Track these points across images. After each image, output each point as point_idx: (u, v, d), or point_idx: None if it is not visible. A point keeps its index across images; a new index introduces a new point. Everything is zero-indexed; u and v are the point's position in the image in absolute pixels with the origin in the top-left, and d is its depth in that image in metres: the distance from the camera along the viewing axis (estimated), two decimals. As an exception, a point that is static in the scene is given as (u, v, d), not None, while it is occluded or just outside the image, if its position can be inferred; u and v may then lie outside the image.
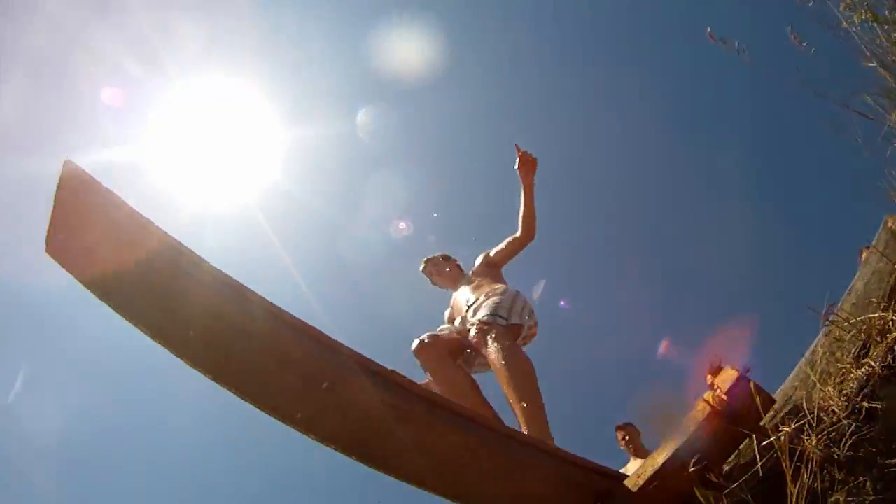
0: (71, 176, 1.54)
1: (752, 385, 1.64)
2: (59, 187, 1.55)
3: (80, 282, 1.60)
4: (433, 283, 3.43)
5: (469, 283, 3.15)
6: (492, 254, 3.25)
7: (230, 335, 1.46)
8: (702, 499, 1.75)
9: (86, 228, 1.56)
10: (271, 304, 1.46)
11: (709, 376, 3.29)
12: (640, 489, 1.78)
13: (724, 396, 1.70)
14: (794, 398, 1.73)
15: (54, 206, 1.56)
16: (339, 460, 1.53)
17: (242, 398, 1.48)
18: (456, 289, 3.24)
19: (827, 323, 1.70)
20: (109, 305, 1.60)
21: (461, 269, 3.46)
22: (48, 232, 1.58)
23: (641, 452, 3.64)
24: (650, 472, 1.76)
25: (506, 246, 3.19)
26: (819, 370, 1.63)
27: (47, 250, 1.61)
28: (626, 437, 3.72)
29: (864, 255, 3.52)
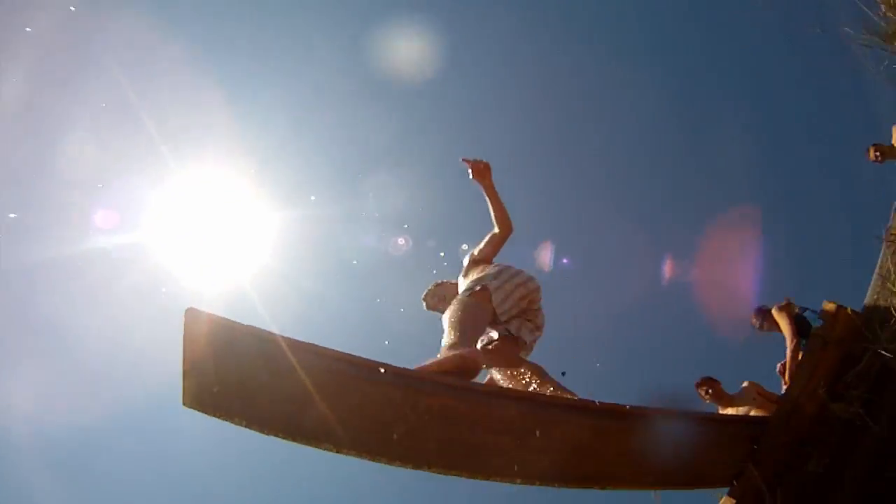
0: (194, 322, 1.70)
1: (848, 310, 2.03)
2: (186, 338, 1.70)
3: (237, 424, 1.77)
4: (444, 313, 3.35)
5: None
6: (476, 253, 3.18)
7: (438, 423, 1.81)
8: (837, 412, 2.14)
9: (224, 369, 1.71)
10: (474, 384, 1.84)
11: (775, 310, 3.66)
12: (786, 423, 2.16)
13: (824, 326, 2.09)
14: (879, 308, 2.13)
15: (185, 364, 1.70)
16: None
17: (469, 476, 1.83)
18: None
19: (888, 238, 2.09)
20: (278, 436, 1.78)
21: (456, 283, 3.32)
22: (183, 389, 1.73)
23: (727, 400, 3.87)
24: (790, 405, 2.15)
25: (486, 243, 3.14)
26: (892, 282, 2.03)
27: (185, 404, 1.77)
28: (710, 391, 3.90)
29: (871, 152, 3.92)
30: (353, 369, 1.65)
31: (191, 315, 1.74)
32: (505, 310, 2.59)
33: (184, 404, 1.78)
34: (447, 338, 2.26)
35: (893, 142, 3.72)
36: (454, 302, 2.54)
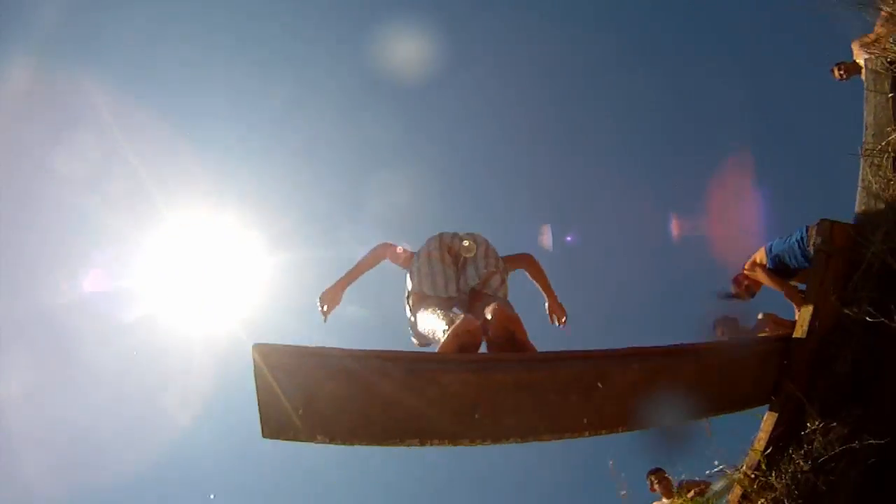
0: (263, 355, 1.80)
1: (841, 223, 2.25)
2: (258, 373, 1.80)
3: (319, 443, 1.85)
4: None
5: None
6: None
7: (513, 395, 1.98)
8: (851, 314, 2.37)
9: (295, 395, 1.79)
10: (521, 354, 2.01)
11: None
12: (808, 332, 2.38)
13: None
14: (868, 216, 2.36)
15: (260, 397, 1.79)
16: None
17: (547, 438, 2.00)
18: None
19: (864, 154, 2.33)
20: (363, 443, 1.89)
21: None
22: (261, 423, 1.82)
23: (745, 333, 4.05)
24: (808, 319, 2.37)
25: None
26: (874, 191, 2.26)
27: (265, 436, 1.86)
28: (726, 329, 4.08)
29: (835, 72, 4.15)
30: (427, 364, 1.79)
31: (258, 350, 1.84)
32: (440, 286, 2.55)
33: (264, 436, 1.88)
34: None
35: (854, 58, 3.91)
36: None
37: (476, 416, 1.82)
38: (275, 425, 1.84)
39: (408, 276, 2.71)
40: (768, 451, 2.40)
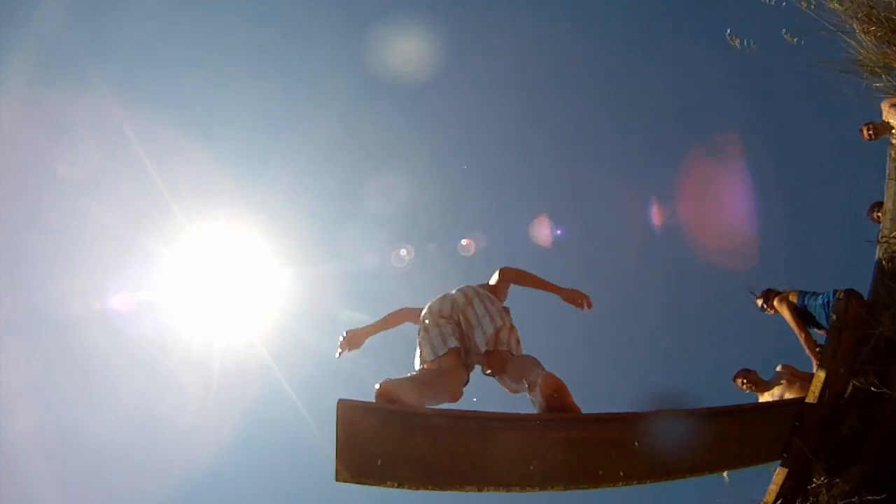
0: (347, 410, 2.01)
1: (855, 303, 2.52)
2: (342, 427, 1.98)
3: (384, 486, 2.08)
4: None
5: None
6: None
7: (563, 450, 2.23)
8: (858, 384, 2.64)
9: (373, 446, 2.01)
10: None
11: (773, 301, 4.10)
12: (818, 399, 2.65)
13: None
14: (880, 298, 2.64)
15: (341, 446, 1.98)
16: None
17: (586, 487, 2.26)
18: None
19: (880, 241, 2.60)
20: (426, 489, 2.13)
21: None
22: (337, 468, 2.01)
23: (763, 385, 4.28)
24: (820, 385, 2.63)
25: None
26: (888, 273, 2.53)
27: (339, 480, 2.05)
28: (746, 382, 4.31)
29: (864, 132, 4.38)
30: (494, 423, 2.06)
31: (342, 405, 2.06)
32: (438, 346, 2.72)
33: (337, 480, 2.07)
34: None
35: (884, 117, 4.01)
36: None
37: (531, 467, 2.08)
38: (350, 472, 2.06)
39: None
40: (778, 502, 2.67)
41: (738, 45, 3.24)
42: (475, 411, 2.09)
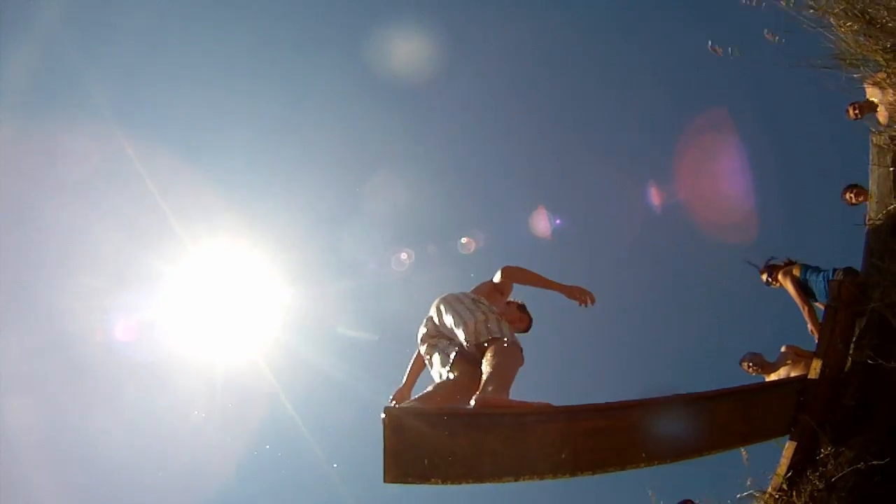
0: (394, 417, 2.18)
1: (848, 284, 2.72)
2: (390, 433, 2.13)
3: (430, 483, 2.26)
4: None
5: None
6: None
7: (592, 438, 2.42)
8: (855, 358, 2.84)
9: (419, 447, 2.18)
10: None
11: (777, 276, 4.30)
12: (819, 375, 2.85)
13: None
14: (871, 277, 2.84)
15: (389, 450, 2.12)
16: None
17: (613, 470, 2.46)
18: None
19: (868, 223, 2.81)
20: (468, 483, 2.32)
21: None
22: (385, 469, 2.16)
23: (769, 367, 4.46)
24: (821, 362, 2.84)
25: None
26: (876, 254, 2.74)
27: (387, 481, 2.21)
28: (753, 365, 4.48)
29: (850, 111, 4.55)
30: (530, 418, 2.25)
31: (390, 413, 2.22)
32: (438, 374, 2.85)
33: (386, 481, 2.23)
34: None
35: (867, 96, 4.10)
36: None
37: (563, 455, 2.27)
38: (398, 473, 2.22)
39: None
40: (789, 474, 2.87)
41: (720, 53, 3.42)
42: (519, 405, 2.29)
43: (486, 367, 2.59)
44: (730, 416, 2.77)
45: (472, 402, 2.35)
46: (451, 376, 2.81)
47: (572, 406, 2.32)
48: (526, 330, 3.67)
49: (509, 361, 2.62)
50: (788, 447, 2.92)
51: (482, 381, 2.49)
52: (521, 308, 3.75)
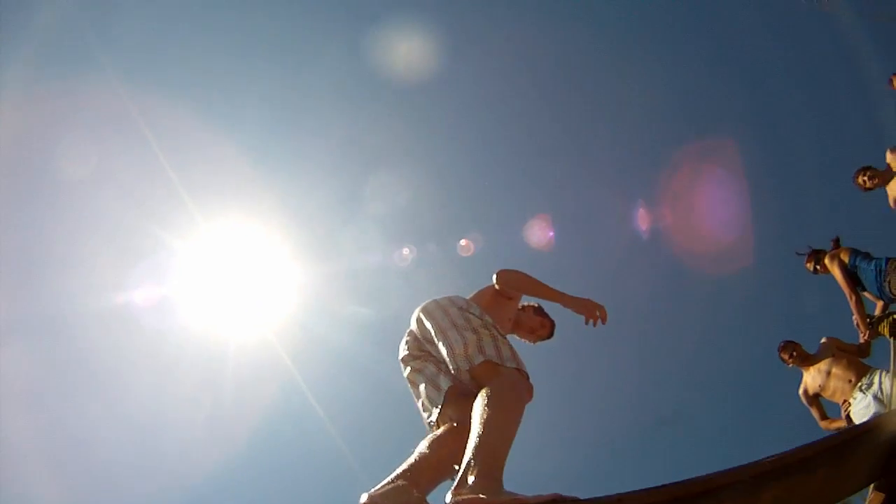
0: None
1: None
2: None
3: None
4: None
5: None
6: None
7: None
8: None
9: None
10: None
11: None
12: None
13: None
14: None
15: None
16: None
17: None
18: None
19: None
20: None
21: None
22: None
23: (809, 360, 4.08)
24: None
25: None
26: None
27: None
28: (793, 354, 4.11)
29: (859, 177, 4.07)
30: None
31: None
32: (436, 399, 2.35)
33: None
34: None
35: (888, 163, 3.97)
36: None
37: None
38: None
39: None
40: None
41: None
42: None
43: (473, 429, 1.95)
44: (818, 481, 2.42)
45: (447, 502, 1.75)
46: (440, 430, 2.27)
47: (601, 499, 1.65)
48: (549, 336, 3.20)
49: (504, 417, 1.96)
50: (874, 497, 2.62)
51: (463, 464, 1.86)
52: (539, 311, 3.24)
